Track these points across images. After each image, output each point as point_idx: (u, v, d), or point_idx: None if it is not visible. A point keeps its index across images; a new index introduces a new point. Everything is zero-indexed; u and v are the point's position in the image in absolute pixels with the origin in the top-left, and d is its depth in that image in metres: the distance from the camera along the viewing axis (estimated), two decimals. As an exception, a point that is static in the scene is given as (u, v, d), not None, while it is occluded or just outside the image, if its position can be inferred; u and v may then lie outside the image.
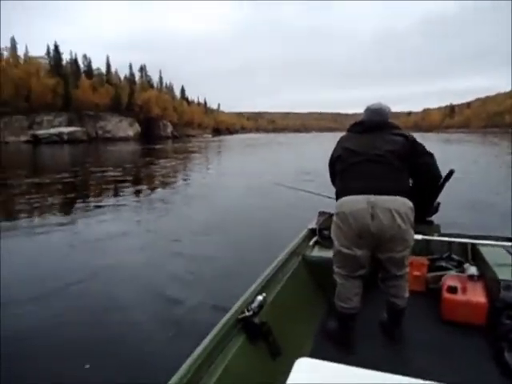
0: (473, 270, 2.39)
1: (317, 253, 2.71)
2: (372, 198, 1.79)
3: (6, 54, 67.95)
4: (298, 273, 2.44)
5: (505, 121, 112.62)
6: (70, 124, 60.88)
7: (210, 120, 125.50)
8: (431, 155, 2.01)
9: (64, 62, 73.97)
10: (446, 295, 2.24)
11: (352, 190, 1.87)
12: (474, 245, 2.64)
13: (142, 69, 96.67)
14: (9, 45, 68.74)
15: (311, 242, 2.84)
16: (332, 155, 2.16)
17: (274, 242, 3.90)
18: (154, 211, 7.87)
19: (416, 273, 2.54)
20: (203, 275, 4.16)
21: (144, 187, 11.28)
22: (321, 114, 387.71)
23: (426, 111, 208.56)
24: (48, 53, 72.10)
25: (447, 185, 2.14)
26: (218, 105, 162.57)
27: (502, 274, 2.13)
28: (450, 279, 2.37)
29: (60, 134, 53.82)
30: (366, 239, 1.82)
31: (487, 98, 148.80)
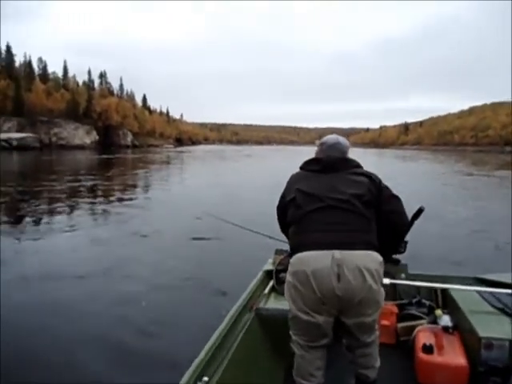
0: (446, 319, 2.23)
1: (273, 303, 2.37)
2: (337, 253, 1.50)
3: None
4: (251, 332, 2.09)
5: (454, 139, 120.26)
6: (20, 130, 57.64)
7: (172, 130, 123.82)
8: (398, 199, 1.78)
9: (17, 65, 70.54)
10: (421, 355, 2.01)
11: (312, 244, 1.56)
12: (444, 289, 2.49)
13: (102, 75, 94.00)
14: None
15: (266, 290, 2.51)
16: (282, 198, 1.82)
17: (224, 292, 3.66)
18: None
19: (385, 322, 2.33)
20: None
21: (85, 206, 10.52)
22: (283, 127, 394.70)
23: (383, 128, 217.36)
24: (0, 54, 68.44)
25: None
26: (181, 115, 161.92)
27: (482, 330, 1.93)
28: (423, 333, 2.16)
29: (8, 140, 50.72)
30: (330, 304, 1.53)
31: (438, 118, 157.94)
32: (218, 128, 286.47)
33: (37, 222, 8.05)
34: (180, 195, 12.58)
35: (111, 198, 11.59)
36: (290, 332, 1.70)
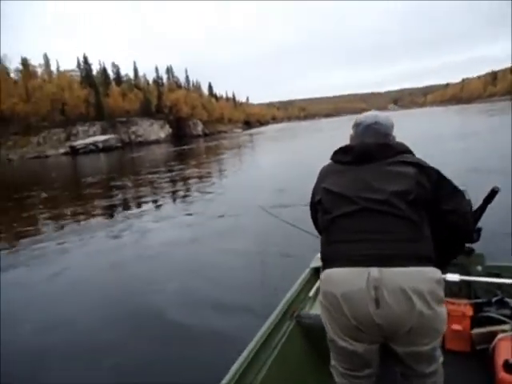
0: None
1: (318, 309, 2.02)
2: (375, 271, 1.17)
3: (40, 70, 71.20)
4: (290, 342, 1.86)
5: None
6: (103, 132, 62.83)
7: (239, 114, 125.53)
8: (462, 194, 1.35)
9: (94, 73, 76.42)
10: (503, 375, 1.57)
11: (342, 258, 1.24)
12: None
13: (169, 70, 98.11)
14: (42, 61, 71.95)
15: (312, 291, 2.19)
16: (312, 195, 1.49)
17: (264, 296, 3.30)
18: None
19: (456, 327, 1.91)
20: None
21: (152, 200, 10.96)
22: (353, 95, 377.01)
23: (465, 81, 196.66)
24: (78, 65, 74.71)
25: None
26: (247, 97, 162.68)
27: None
28: (506, 343, 1.70)
29: (95, 143, 55.61)
30: (369, 332, 1.22)
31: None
32: (285, 105, 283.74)
33: (127, 209, 9.65)
34: (246, 183, 12.32)
35: (181, 189, 11.99)
36: (331, 354, 1.41)
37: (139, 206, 9.92)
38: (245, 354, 1.62)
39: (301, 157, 16.77)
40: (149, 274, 4.81)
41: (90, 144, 55.32)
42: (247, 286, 4.02)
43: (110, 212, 9.59)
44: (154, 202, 10.23)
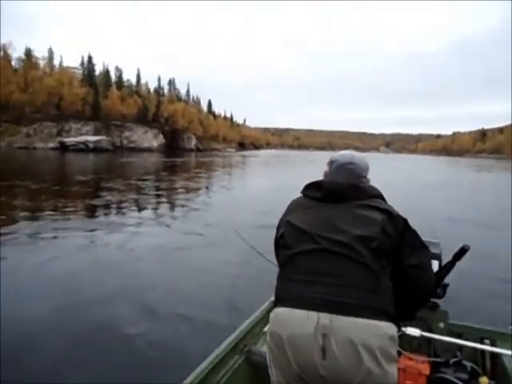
0: None
1: None
2: (325, 318, 1.09)
3: (42, 63, 70.99)
4: (236, 378, 1.75)
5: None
6: (96, 133, 62.34)
7: (235, 134, 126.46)
8: (426, 250, 1.29)
9: (97, 73, 76.51)
10: None
11: (293, 298, 1.17)
12: (495, 354, 1.90)
13: (171, 82, 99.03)
14: (46, 55, 71.86)
15: (267, 326, 2.09)
16: (277, 229, 1.42)
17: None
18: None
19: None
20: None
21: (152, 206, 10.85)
22: (346, 132, 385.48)
23: (456, 135, 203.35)
24: (82, 63, 74.85)
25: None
26: (244, 119, 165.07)
27: None
28: None
29: (86, 142, 54.98)
30: (312, 383, 1.13)
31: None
32: (281, 133, 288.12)
33: (106, 214, 9.31)
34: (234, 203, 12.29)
35: (166, 201, 11.74)
36: None
37: (119, 211, 9.70)
38: None
39: (291, 183, 16.83)
40: (99, 286, 4.46)
41: (81, 143, 54.68)
42: (201, 311, 3.78)
43: (83, 213, 9.39)
44: (135, 210, 9.96)
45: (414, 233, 1.26)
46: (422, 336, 1.83)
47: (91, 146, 54.58)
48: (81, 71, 74.15)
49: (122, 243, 6.41)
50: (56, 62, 72.95)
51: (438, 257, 1.85)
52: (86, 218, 8.84)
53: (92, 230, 7.28)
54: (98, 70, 78.23)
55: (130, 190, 13.89)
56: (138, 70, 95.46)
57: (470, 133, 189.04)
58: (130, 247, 6.23)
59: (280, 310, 1.18)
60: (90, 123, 64.44)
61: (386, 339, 1.10)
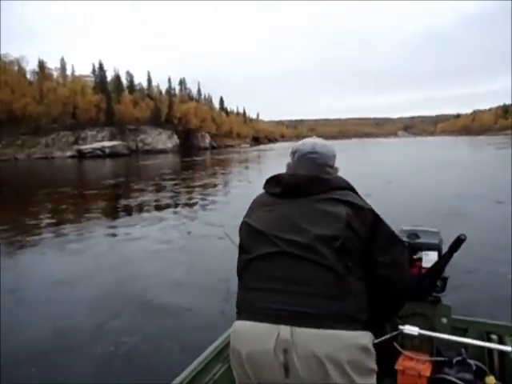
0: None
1: None
2: (286, 331, 0.97)
3: (55, 73, 72.32)
4: None
5: None
6: (112, 138, 63.23)
7: (248, 129, 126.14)
8: (400, 244, 1.16)
9: (109, 79, 77.42)
10: None
11: (251, 310, 1.05)
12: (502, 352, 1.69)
13: (182, 82, 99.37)
14: (59, 65, 73.13)
15: None
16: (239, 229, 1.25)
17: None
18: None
19: None
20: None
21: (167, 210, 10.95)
22: (361, 119, 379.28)
23: (476, 113, 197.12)
24: (94, 71, 75.83)
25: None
26: (257, 114, 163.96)
27: None
28: None
29: (102, 148, 55.84)
30: None
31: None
32: (295, 125, 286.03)
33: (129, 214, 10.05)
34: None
35: (183, 202, 12.00)
36: None
37: (156, 208, 10.46)
38: None
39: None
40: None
41: (97, 149, 55.58)
42: (184, 317, 3.80)
43: (123, 212, 10.25)
44: (170, 205, 10.71)
45: (386, 226, 1.11)
46: (420, 334, 1.65)
47: (107, 151, 55.40)
48: (93, 78, 75.22)
49: (163, 235, 7.22)
50: (68, 72, 74.33)
51: (436, 247, 1.72)
52: (127, 216, 9.72)
53: (131, 225, 8.20)
54: (110, 75, 79.25)
55: (157, 189, 14.59)
56: (149, 72, 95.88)
57: (490, 110, 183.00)
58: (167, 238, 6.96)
59: (238, 324, 1.07)
60: (105, 129, 65.39)
61: (356, 350, 0.98)
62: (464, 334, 1.81)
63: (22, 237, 7.59)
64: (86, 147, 56.55)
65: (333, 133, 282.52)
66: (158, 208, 10.60)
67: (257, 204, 1.22)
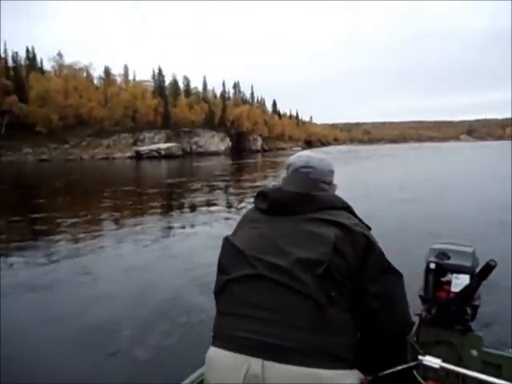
0: None
1: None
2: (256, 364, 0.87)
3: (119, 79, 76.89)
4: None
5: None
6: (167, 140, 65.62)
7: (301, 132, 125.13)
8: (396, 275, 1.01)
9: (167, 84, 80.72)
10: None
11: (223, 337, 0.96)
12: None
13: (236, 85, 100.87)
14: (122, 71, 77.74)
15: None
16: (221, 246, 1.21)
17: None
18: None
19: None
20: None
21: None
22: (421, 122, 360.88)
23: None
24: (153, 76, 79.53)
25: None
26: (311, 117, 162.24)
27: None
28: None
29: (158, 150, 58.11)
30: None
31: None
32: (350, 128, 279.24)
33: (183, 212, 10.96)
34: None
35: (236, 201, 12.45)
36: None
37: (219, 204, 11.45)
38: None
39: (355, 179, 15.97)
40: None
41: (154, 150, 57.91)
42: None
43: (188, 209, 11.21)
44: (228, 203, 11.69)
45: (379, 252, 0.98)
46: (441, 367, 1.31)
47: (163, 152, 57.48)
48: (152, 83, 78.82)
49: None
50: (131, 77, 78.62)
51: (467, 270, 1.55)
52: (189, 212, 10.67)
53: (191, 221, 8.99)
54: (168, 80, 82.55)
55: (214, 188, 15.70)
56: (204, 77, 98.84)
57: None
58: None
59: (212, 351, 0.98)
60: (161, 132, 68.03)
61: None
62: (497, 370, 1.57)
63: (99, 226, 8.71)
64: (144, 148, 59.17)
65: (392, 136, 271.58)
66: (214, 205, 11.35)
67: (244, 219, 1.14)
